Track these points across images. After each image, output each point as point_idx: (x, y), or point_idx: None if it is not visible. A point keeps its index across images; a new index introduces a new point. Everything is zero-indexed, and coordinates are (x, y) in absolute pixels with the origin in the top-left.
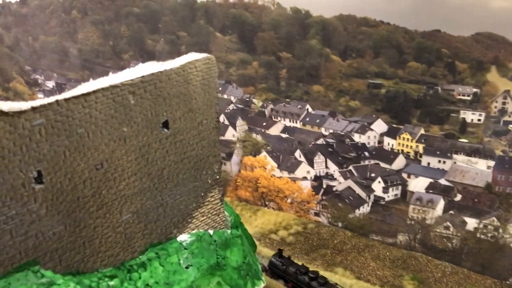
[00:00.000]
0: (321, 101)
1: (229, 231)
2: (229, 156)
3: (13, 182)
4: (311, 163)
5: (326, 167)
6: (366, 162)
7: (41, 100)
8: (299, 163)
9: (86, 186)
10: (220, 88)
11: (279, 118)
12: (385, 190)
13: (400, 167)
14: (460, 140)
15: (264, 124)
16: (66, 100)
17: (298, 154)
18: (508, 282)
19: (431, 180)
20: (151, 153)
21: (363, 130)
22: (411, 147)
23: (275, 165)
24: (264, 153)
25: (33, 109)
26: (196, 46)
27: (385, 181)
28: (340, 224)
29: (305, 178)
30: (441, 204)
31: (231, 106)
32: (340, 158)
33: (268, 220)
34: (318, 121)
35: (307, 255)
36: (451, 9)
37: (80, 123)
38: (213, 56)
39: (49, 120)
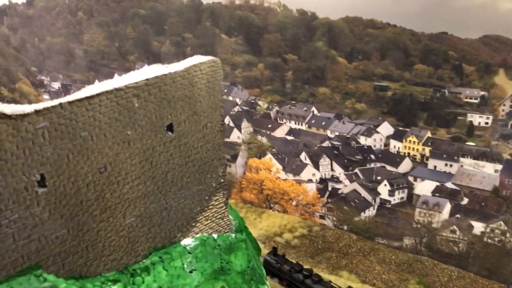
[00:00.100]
0: (327, 103)
1: (233, 235)
2: (234, 158)
3: (16, 186)
4: (316, 166)
5: (332, 169)
6: (372, 165)
7: (44, 103)
8: (304, 165)
9: (89, 190)
10: (226, 90)
11: (284, 120)
12: (391, 193)
13: (406, 170)
14: (467, 143)
15: (270, 126)
16: (69, 103)
17: (303, 156)
18: None
19: (438, 184)
20: (155, 157)
21: (369, 132)
22: (417, 150)
23: (280, 167)
24: (269, 155)
25: (37, 112)
26: (202, 48)
27: (391, 184)
28: (345, 227)
29: (310, 181)
30: (447, 207)
31: (237, 108)
32: (345, 161)
33: (273, 223)
34: (323, 123)
35: (312, 258)
36: (459, 11)
37: (83, 126)
38: (218, 58)
39: (53, 123)
